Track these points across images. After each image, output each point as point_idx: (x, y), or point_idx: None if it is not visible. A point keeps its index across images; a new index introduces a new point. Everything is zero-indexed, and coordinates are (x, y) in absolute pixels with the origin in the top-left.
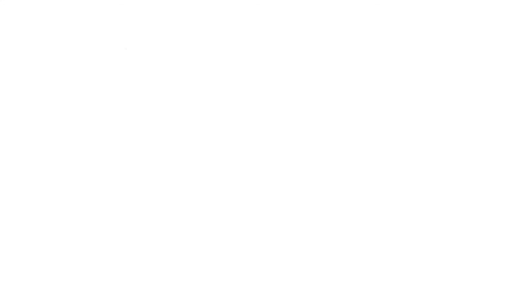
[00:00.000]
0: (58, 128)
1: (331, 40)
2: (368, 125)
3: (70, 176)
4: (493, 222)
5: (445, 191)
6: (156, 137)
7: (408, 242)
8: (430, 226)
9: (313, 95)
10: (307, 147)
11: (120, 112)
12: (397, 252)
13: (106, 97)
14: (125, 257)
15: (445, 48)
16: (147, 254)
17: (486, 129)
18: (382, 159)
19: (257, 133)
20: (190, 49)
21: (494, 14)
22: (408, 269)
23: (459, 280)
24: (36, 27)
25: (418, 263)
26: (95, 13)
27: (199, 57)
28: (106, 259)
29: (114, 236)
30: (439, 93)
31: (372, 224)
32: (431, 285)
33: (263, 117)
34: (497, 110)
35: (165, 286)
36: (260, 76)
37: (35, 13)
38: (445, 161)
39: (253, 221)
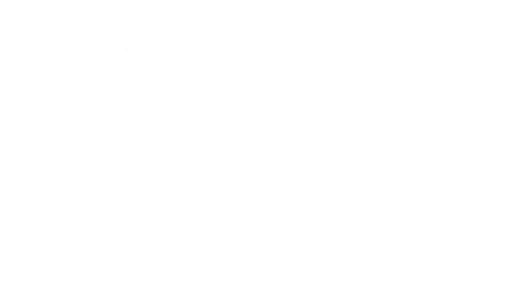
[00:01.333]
0: (58, 127)
1: (331, 40)
2: (368, 125)
3: (70, 176)
4: (493, 222)
5: (445, 191)
6: (156, 137)
7: (408, 242)
8: (430, 226)
9: (313, 95)
10: (307, 147)
11: (120, 112)
12: (397, 252)
13: (106, 97)
14: (125, 257)
15: (445, 48)
16: (147, 254)
17: (486, 129)
18: (382, 159)
19: (257, 133)
20: (190, 49)
21: (494, 14)
22: (408, 269)
23: (459, 280)
24: (36, 27)
25: (418, 263)
26: (95, 13)
27: (199, 57)
28: (106, 259)
29: (113, 236)
30: (439, 93)
31: (372, 224)
32: (431, 285)
33: (263, 117)
34: (497, 110)
35: (165, 286)
36: (260, 76)
37: (35, 13)
38: (445, 161)
39: (253, 221)
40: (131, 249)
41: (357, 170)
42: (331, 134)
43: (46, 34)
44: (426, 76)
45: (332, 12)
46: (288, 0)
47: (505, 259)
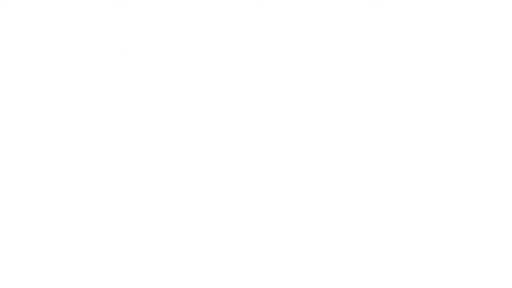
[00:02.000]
0: (58, 127)
1: (331, 40)
2: (368, 125)
3: (70, 176)
4: (493, 222)
5: (445, 191)
6: (155, 137)
7: (408, 242)
8: (430, 226)
9: (313, 95)
10: (307, 147)
11: (120, 112)
12: (397, 252)
13: (106, 97)
14: (125, 257)
15: (445, 48)
16: (147, 254)
17: (486, 129)
18: (382, 159)
19: (256, 133)
20: (190, 49)
21: (494, 14)
22: (408, 269)
23: (459, 280)
24: (36, 27)
25: (418, 263)
26: (95, 13)
27: (199, 57)
28: (106, 259)
29: (113, 236)
30: (439, 93)
31: (372, 224)
32: (431, 285)
33: (263, 117)
34: (497, 110)
35: (165, 286)
36: (260, 76)
37: (35, 13)
38: (445, 161)
39: (253, 222)
40: (131, 249)
41: (357, 170)
42: (331, 133)
43: (46, 34)
44: (426, 76)
45: (332, 12)
46: (288, 0)
47: (505, 259)
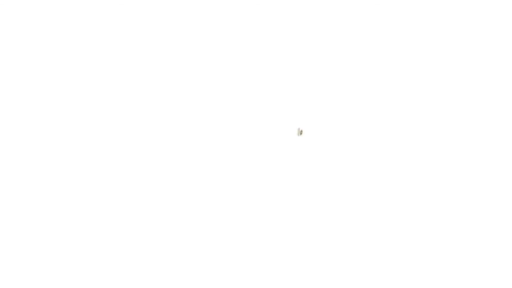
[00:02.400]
0: (58, 128)
1: (331, 41)
2: (368, 126)
3: (70, 177)
4: (493, 222)
5: (445, 192)
6: (155, 137)
7: (408, 244)
8: (430, 227)
9: (312, 95)
10: (307, 148)
11: (119, 113)
12: (397, 253)
13: (106, 98)
14: (125, 257)
15: (445, 48)
16: (147, 255)
17: (486, 130)
18: (382, 160)
19: (256, 133)
20: (190, 49)
21: (494, 14)
22: (408, 269)
23: (459, 280)
24: (36, 26)
25: (418, 264)
26: (95, 13)
27: (199, 57)
28: (106, 259)
29: (113, 237)
30: (439, 94)
31: (372, 226)
32: (431, 285)
33: (262, 117)
34: (497, 110)
35: (165, 286)
36: (260, 77)
37: (35, 13)
38: (445, 162)
39: (253, 223)
40: (131, 249)
41: (358, 171)
42: (330, 134)
43: (46, 34)
44: (426, 76)
45: (332, 12)
46: (288, 0)
47: (505, 259)
